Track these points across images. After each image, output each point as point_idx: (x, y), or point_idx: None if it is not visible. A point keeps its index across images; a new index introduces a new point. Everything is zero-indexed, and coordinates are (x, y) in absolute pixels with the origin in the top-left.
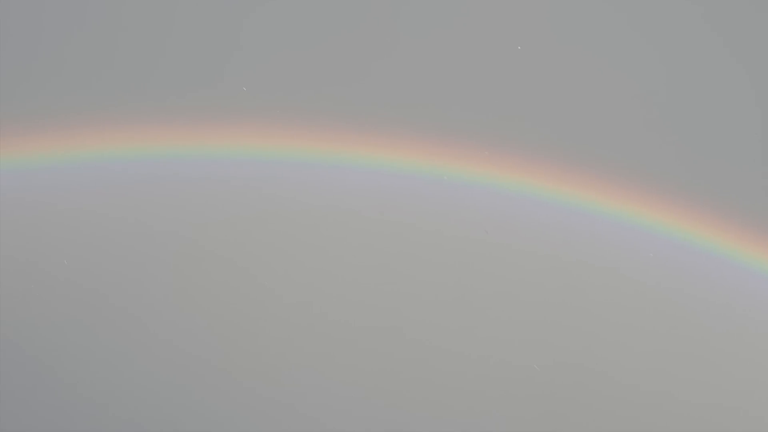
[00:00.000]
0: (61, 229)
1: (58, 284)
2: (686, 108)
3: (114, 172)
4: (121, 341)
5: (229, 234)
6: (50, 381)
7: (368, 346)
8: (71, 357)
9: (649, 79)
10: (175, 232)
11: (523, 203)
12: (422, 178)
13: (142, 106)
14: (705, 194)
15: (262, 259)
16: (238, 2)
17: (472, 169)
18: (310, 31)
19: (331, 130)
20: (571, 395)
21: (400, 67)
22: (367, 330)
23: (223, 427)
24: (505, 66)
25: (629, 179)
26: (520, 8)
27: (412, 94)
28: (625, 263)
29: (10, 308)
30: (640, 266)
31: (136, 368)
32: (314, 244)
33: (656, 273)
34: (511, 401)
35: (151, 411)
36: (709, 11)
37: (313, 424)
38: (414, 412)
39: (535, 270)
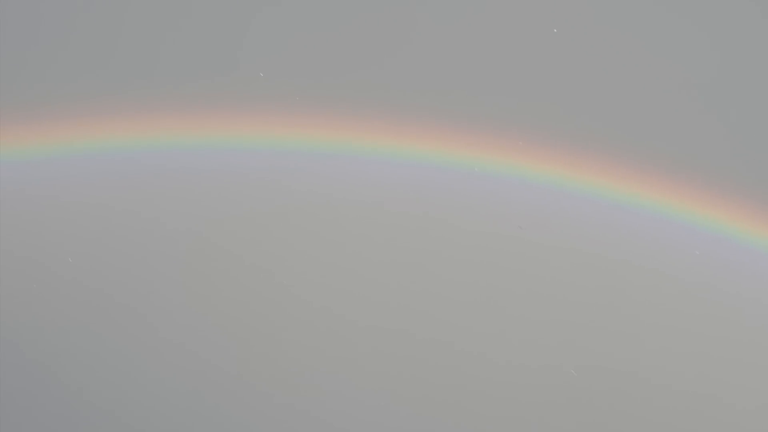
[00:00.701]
0: (65, 224)
1: (62, 284)
2: (737, 96)
3: (121, 164)
4: (129, 345)
5: (244, 230)
6: (53, 388)
7: (393, 349)
8: (75, 362)
9: (698, 63)
10: (187, 228)
11: (560, 197)
12: (451, 170)
13: (151, 92)
14: (758, 188)
15: (279, 256)
16: None
17: (505, 160)
18: (331, 12)
19: (353, 118)
20: (611, 402)
21: (428, 50)
22: (392, 333)
23: None
24: (541, 49)
25: (675, 171)
26: None
27: (441, 78)
28: (669, 261)
29: (9, 310)
30: (685, 265)
31: (144, 374)
32: (335, 240)
33: (703, 272)
34: (546, 409)
35: (160, 420)
36: None
37: None
38: (442, 420)
39: (573, 268)
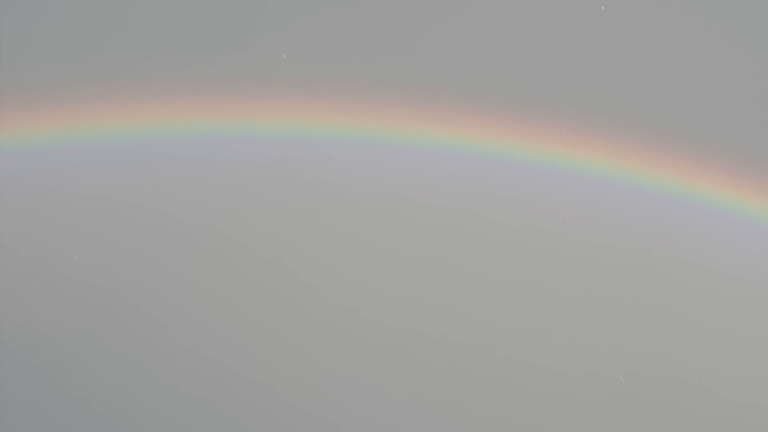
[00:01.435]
0: (70, 218)
1: (68, 283)
2: None
3: (131, 153)
4: (140, 349)
5: (264, 224)
6: (58, 394)
7: (427, 355)
8: (82, 366)
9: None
10: (201, 221)
11: (609, 189)
12: (489, 160)
13: (162, 74)
14: None
15: (303, 253)
16: None
17: (548, 148)
18: None
19: (382, 104)
20: (663, 412)
21: (465, 28)
22: (425, 337)
23: None
24: (587, 29)
25: (735, 161)
26: None
27: (479, 58)
28: (728, 259)
29: (12, 312)
30: (744, 262)
31: (157, 380)
32: (363, 236)
33: (763, 270)
34: (594, 418)
35: (173, 429)
36: None
37: None
38: (480, 431)
39: (623, 267)
